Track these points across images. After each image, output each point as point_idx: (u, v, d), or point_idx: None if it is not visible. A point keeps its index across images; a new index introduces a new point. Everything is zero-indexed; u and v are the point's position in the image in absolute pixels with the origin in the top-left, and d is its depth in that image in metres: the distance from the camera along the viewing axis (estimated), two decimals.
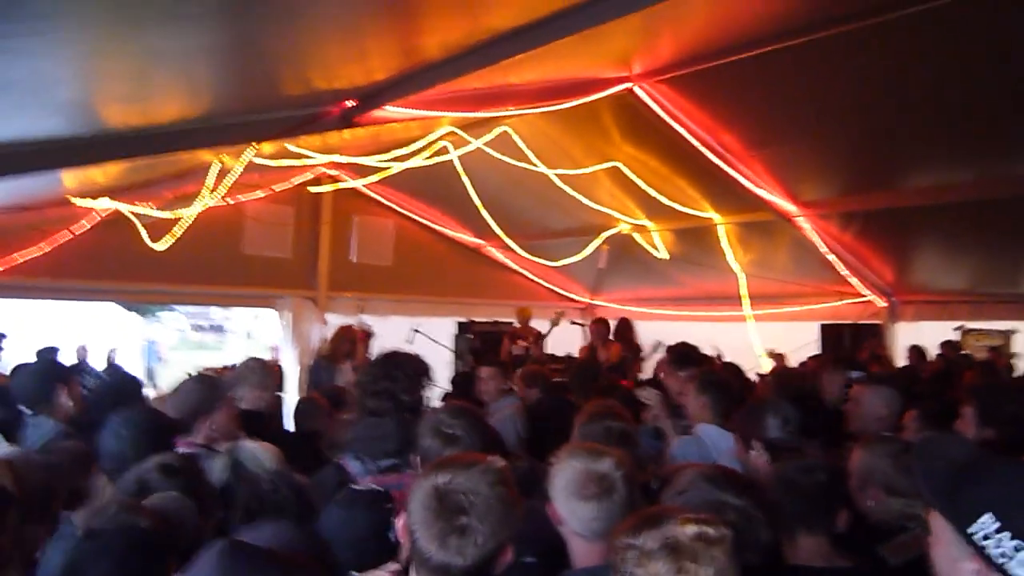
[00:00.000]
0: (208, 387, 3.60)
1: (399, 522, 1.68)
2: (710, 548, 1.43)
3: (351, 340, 7.72)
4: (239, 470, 2.64)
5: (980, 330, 8.76)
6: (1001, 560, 1.44)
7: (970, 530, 1.49)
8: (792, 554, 2.24)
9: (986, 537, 1.47)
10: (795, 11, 5.11)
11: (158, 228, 7.26)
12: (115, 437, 2.95)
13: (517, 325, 9.51)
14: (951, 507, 1.55)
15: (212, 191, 6.43)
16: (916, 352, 8.57)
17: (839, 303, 9.47)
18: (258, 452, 2.73)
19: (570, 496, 2.15)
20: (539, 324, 9.66)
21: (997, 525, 1.46)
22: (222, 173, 6.34)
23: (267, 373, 4.40)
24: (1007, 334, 8.73)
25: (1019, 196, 6.70)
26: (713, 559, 1.42)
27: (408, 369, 3.25)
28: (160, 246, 7.13)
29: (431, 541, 1.60)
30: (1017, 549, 1.43)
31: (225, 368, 6.93)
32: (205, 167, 6.27)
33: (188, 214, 6.90)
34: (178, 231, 7.11)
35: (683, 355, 5.18)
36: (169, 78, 4.20)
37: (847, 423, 3.93)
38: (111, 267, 8.12)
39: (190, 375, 3.91)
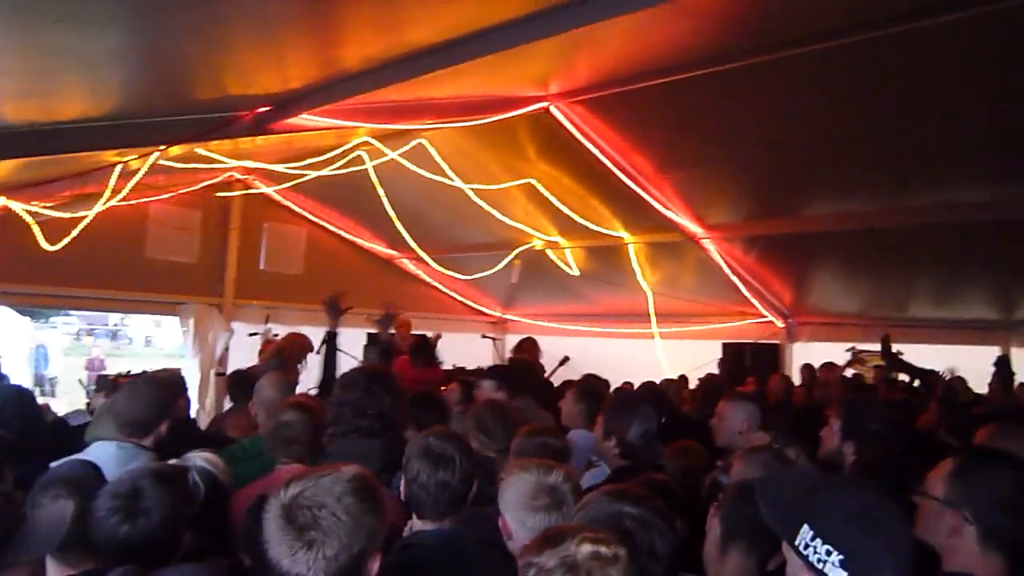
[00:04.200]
0: (170, 391, 3.53)
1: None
2: (605, 567, 1.48)
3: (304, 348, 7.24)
4: (215, 484, 2.61)
5: (869, 351, 9.21)
6: (820, 565, 1.59)
7: (796, 543, 1.64)
8: (718, 571, 2.26)
9: (806, 546, 1.62)
10: (705, 43, 5.31)
11: (55, 228, 6.90)
12: None
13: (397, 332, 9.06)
14: (785, 529, 1.69)
15: (114, 193, 6.18)
16: (808, 370, 8.96)
17: (741, 323, 9.84)
18: (219, 463, 2.68)
19: (521, 507, 2.21)
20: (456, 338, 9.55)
21: (811, 533, 1.61)
22: (125, 174, 6.10)
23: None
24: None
25: (909, 227, 7.16)
26: None
27: (392, 387, 3.27)
28: (56, 247, 6.79)
29: (283, 556, 1.60)
30: (828, 553, 1.58)
31: (120, 376, 6.63)
32: (107, 167, 6.01)
33: (87, 216, 6.59)
34: (76, 233, 6.79)
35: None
36: (72, 77, 4.04)
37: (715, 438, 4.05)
38: (0, 268, 7.69)
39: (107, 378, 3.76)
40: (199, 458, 2.64)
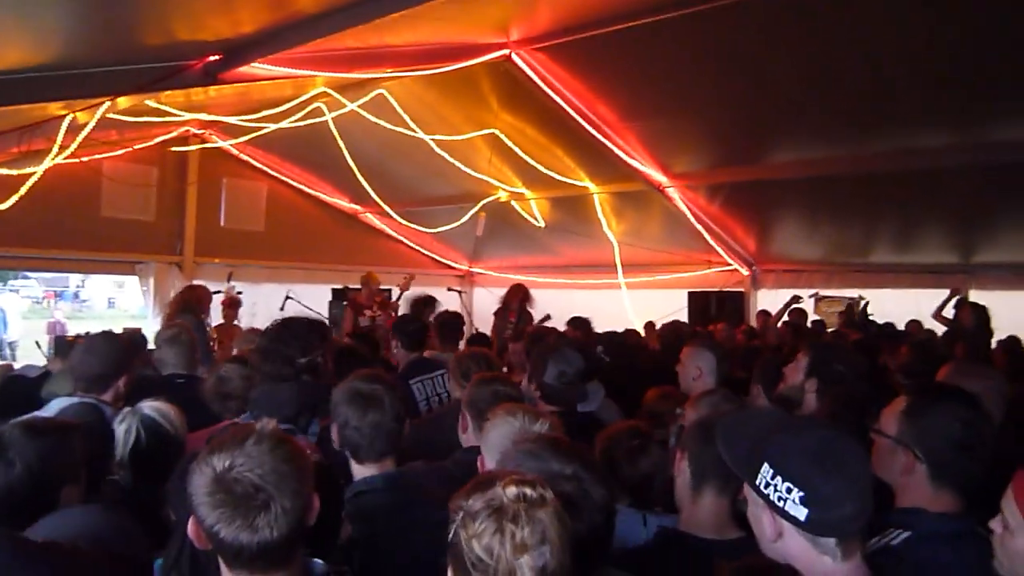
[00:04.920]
0: (127, 347, 3.47)
1: (190, 527, 1.59)
2: (532, 509, 1.43)
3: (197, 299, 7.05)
4: (158, 432, 2.54)
5: (831, 297, 9.34)
6: (780, 503, 1.58)
7: (756, 482, 1.64)
8: (689, 515, 2.23)
9: (767, 485, 1.61)
10: None
11: (3, 187, 6.68)
12: None
13: (362, 292, 8.60)
14: (746, 470, 1.69)
15: (62, 148, 5.96)
16: (764, 316, 9.06)
17: (706, 271, 9.91)
18: (170, 413, 2.61)
19: (501, 451, 2.14)
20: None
21: (772, 472, 1.61)
22: (74, 128, 5.89)
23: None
24: (856, 300, 9.35)
25: (869, 173, 7.22)
26: (535, 520, 1.42)
27: (302, 332, 3.21)
28: (2, 206, 6.56)
29: (241, 531, 1.53)
30: (789, 490, 1.57)
31: (78, 337, 6.47)
32: (55, 121, 5.80)
33: (35, 173, 6.37)
34: (24, 190, 6.56)
35: None
36: (7, 18, 3.84)
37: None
38: None
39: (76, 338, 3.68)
40: (147, 406, 2.57)
